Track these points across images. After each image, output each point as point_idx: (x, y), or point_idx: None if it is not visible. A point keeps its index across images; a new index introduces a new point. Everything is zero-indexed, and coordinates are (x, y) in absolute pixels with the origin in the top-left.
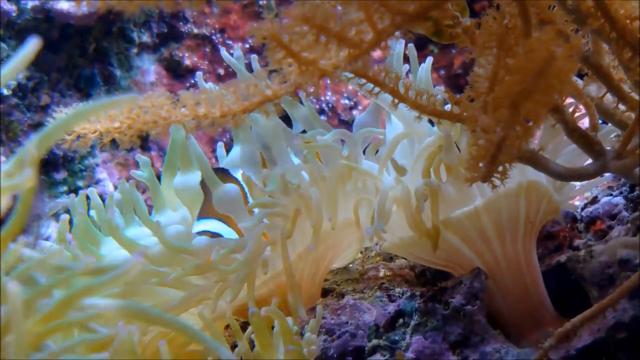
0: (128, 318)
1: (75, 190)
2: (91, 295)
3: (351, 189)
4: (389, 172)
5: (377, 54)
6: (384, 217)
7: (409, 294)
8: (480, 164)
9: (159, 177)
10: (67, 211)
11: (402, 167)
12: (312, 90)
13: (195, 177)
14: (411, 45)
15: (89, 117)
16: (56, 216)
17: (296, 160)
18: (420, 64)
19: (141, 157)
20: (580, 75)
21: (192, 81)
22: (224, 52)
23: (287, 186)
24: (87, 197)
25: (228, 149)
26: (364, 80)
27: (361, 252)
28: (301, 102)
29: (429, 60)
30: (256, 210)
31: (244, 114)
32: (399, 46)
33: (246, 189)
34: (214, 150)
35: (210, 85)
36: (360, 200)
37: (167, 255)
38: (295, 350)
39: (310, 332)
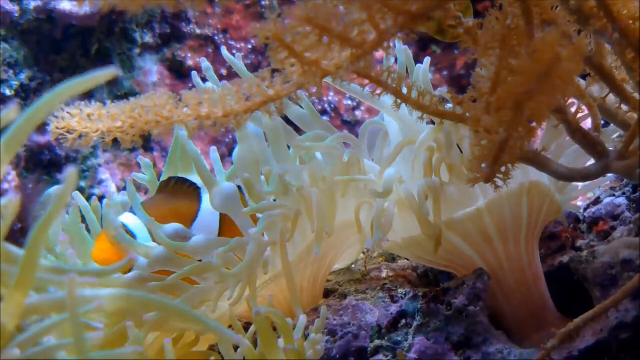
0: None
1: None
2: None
3: (352, 190)
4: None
5: (379, 54)
6: (383, 228)
7: (411, 294)
8: (483, 165)
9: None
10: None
11: (385, 192)
12: (314, 90)
13: (194, 177)
14: (406, 47)
15: (69, 96)
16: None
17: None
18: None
19: (143, 159)
20: (583, 76)
21: None
22: (224, 51)
23: (287, 187)
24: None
25: (230, 150)
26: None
27: (363, 253)
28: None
29: (427, 60)
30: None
31: (246, 114)
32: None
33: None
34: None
35: (208, 84)
36: (361, 204)
37: (168, 257)
38: (293, 350)
39: (314, 333)
